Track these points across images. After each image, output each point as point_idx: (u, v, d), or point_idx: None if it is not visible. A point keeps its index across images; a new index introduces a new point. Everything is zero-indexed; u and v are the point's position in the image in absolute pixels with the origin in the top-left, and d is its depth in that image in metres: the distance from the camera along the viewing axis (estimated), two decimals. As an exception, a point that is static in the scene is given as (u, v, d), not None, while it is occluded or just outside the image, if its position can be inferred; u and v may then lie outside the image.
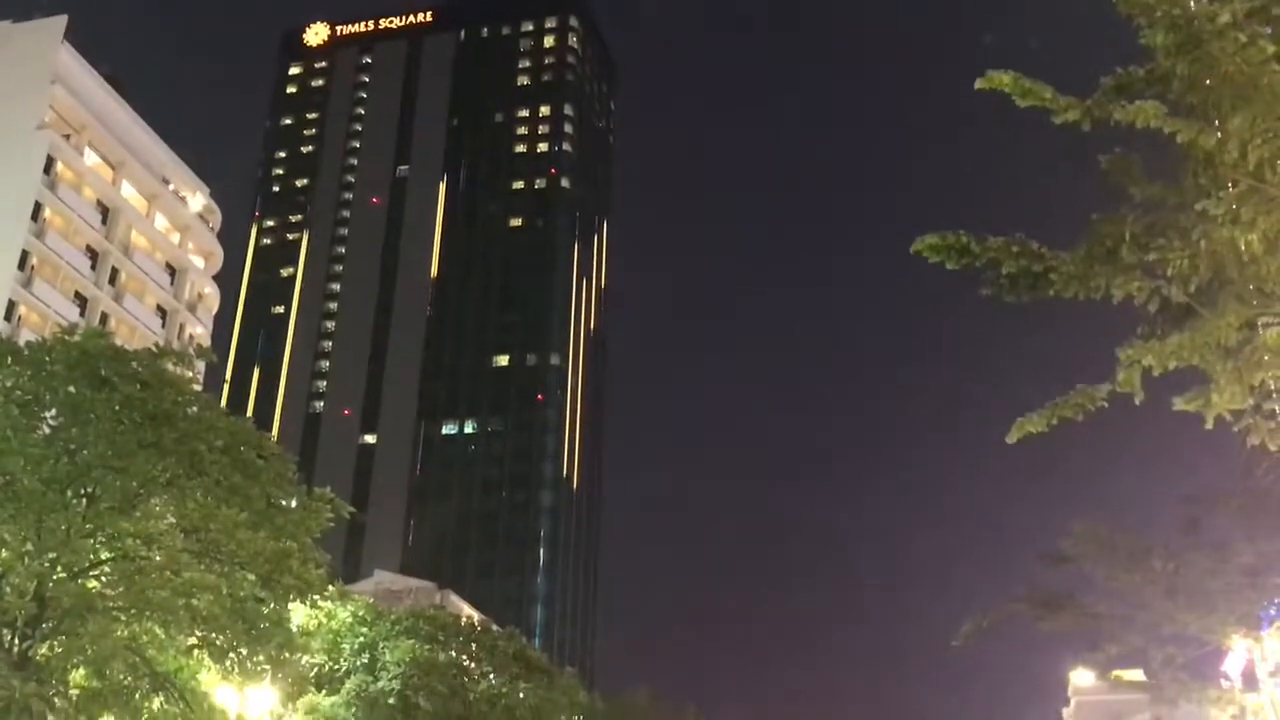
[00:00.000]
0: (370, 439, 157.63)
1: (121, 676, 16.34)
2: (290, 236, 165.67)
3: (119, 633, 15.72)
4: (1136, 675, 24.44)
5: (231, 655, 16.73)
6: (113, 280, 60.92)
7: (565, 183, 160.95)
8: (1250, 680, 20.75)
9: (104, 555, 15.73)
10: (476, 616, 31.48)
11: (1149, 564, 19.49)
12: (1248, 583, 18.50)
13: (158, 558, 15.77)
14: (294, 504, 17.84)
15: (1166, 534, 20.46)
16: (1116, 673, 24.89)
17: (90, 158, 60.42)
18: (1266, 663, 19.78)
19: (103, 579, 15.73)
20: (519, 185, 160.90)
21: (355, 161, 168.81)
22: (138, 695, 16.66)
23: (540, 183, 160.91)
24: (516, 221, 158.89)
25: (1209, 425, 13.65)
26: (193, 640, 16.46)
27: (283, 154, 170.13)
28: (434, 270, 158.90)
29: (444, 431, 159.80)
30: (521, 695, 23.93)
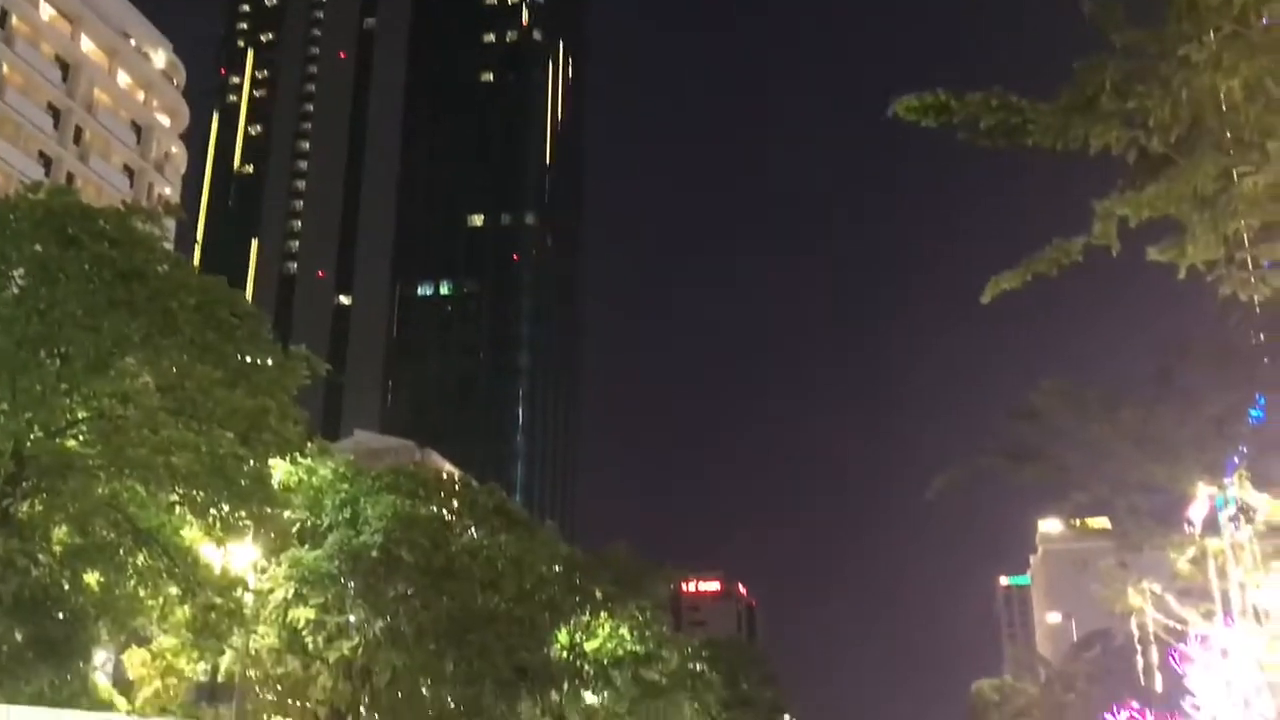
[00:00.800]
0: (345, 300, 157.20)
1: (104, 533, 16.53)
2: (257, 94, 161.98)
3: (99, 490, 15.84)
4: (1102, 523, 25.08)
5: (213, 511, 16.90)
6: (77, 139, 59.64)
7: (538, 35, 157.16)
8: (1211, 526, 21.32)
9: (80, 414, 15.74)
10: (457, 474, 31.86)
11: (1118, 416, 19.83)
12: (1214, 432, 18.87)
13: (135, 416, 15.78)
14: (269, 363, 17.80)
15: (1137, 387, 20.78)
16: (1083, 521, 25.52)
17: (46, 10, 58.57)
18: (1228, 508, 20.32)
19: (80, 438, 15.78)
20: (490, 38, 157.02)
21: (320, 14, 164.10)
22: (121, 551, 16.86)
23: (512, 35, 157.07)
24: (488, 76, 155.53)
25: (1182, 275, 13.71)
26: (174, 497, 16.60)
27: (246, 7, 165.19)
28: (404, 127, 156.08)
29: (419, 293, 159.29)
30: (502, 547, 24.38)
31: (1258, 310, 17.73)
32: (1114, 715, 31.83)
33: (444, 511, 24.01)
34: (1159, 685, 23.49)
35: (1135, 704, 30.37)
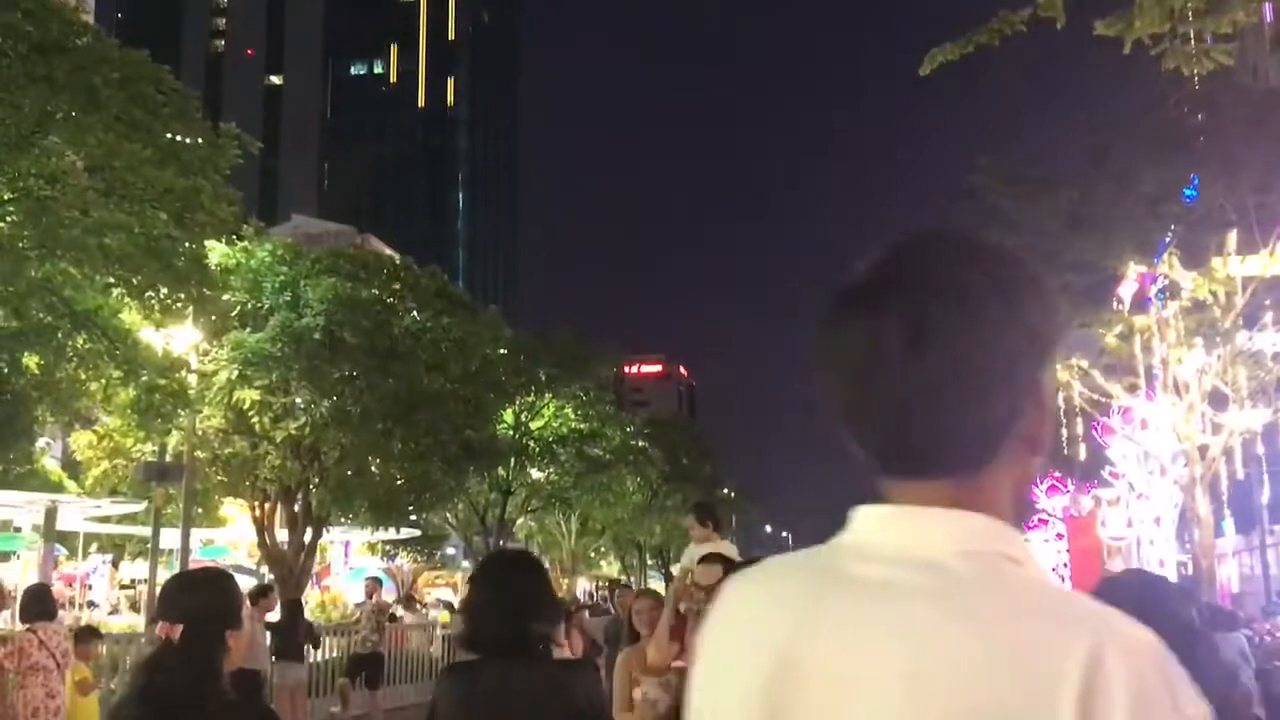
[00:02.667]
0: (277, 80, 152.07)
1: (40, 315, 16.32)
2: None
3: (31, 272, 15.55)
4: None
5: (150, 294, 16.68)
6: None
7: None
8: (1140, 304, 21.86)
9: (5, 195, 15.31)
10: (397, 257, 31.65)
11: (1055, 195, 19.95)
12: (1147, 211, 19.09)
13: (64, 197, 15.36)
14: (200, 142, 17.27)
15: (1075, 167, 20.85)
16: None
17: None
18: (1156, 285, 20.79)
19: (8, 219, 15.37)
20: None
21: None
22: (59, 334, 16.68)
23: None
24: None
25: (1127, 50, 13.56)
26: (110, 280, 16.32)
27: None
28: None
29: (353, 72, 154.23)
30: (446, 329, 24.41)
31: (1197, 87, 17.72)
32: (1036, 484, 33.34)
33: (385, 295, 23.87)
34: (1082, 455, 24.53)
35: (1057, 473, 31.76)
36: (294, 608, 16.48)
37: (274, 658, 14.88)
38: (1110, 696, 0.99)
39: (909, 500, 1.18)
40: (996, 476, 1.18)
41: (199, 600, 3.13)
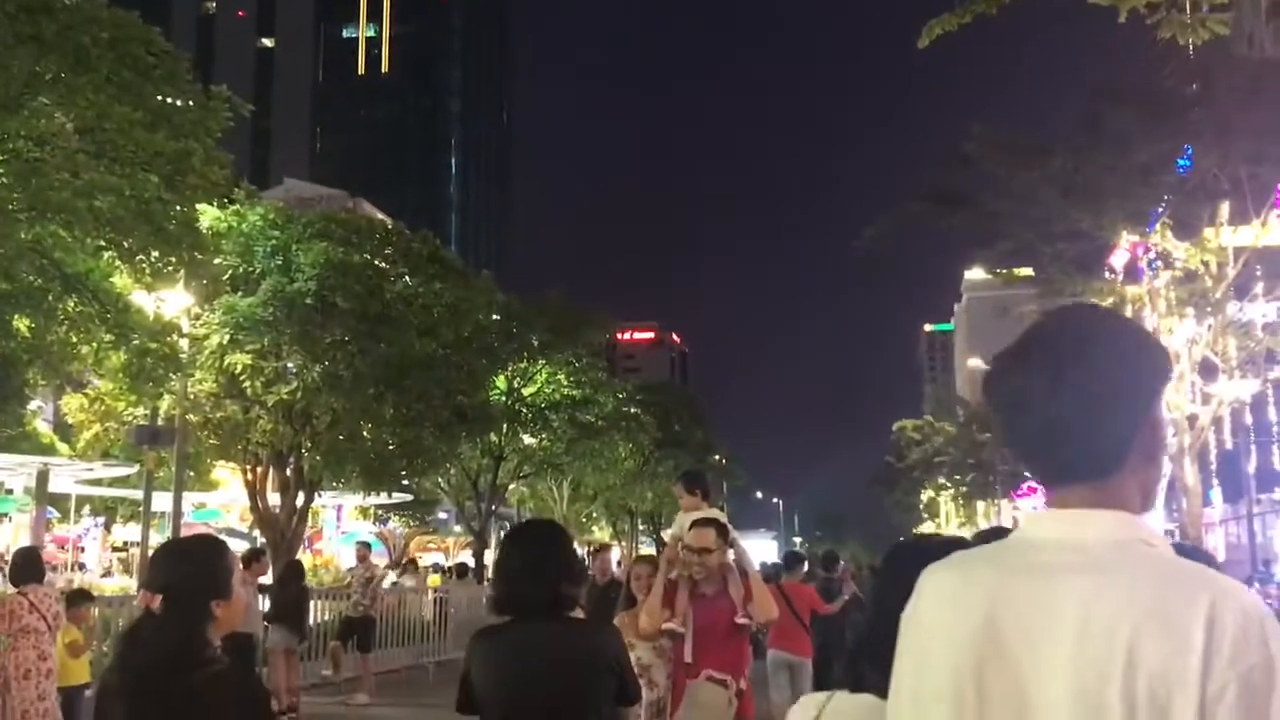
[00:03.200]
0: (268, 43, 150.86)
1: (30, 278, 16.23)
2: None
3: (21, 235, 15.45)
4: (1026, 272, 25.61)
5: (141, 257, 16.58)
6: None
7: None
8: (1132, 274, 21.88)
9: (-5, 156, 15.18)
10: (390, 222, 31.53)
11: (1049, 163, 19.91)
12: (1140, 180, 19.07)
13: (53, 159, 15.25)
14: (190, 104, 17.13)
15: (1069, 136, 20.78)
16: (1008, 269, 26.02)
17: None
18: (1148, 254, 20.80)
19: (-2, 181, 15.25)
20: None
21: None
22: (50, 297, 16.61)
23: None
24: None
25: (1123, 19, 13.52)
26: (100, 243, 16.22)
27: None
28: None
29: (345, 34, 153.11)
30: (438, 294, 24.34)
31: (1192, 56, 17.65)
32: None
33: (378, 260, 23.80)
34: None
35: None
36: (295, 570, 16.52)
37: (268, 623, 14.92)
38: (1224, 630, 1.43)
39: (1063, 503, 1.62)
40: (1124, 481, 1.61)
41: (184, 569, 3.10)
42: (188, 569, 3.11)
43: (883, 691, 1.74)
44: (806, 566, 14.72)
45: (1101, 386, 1.58)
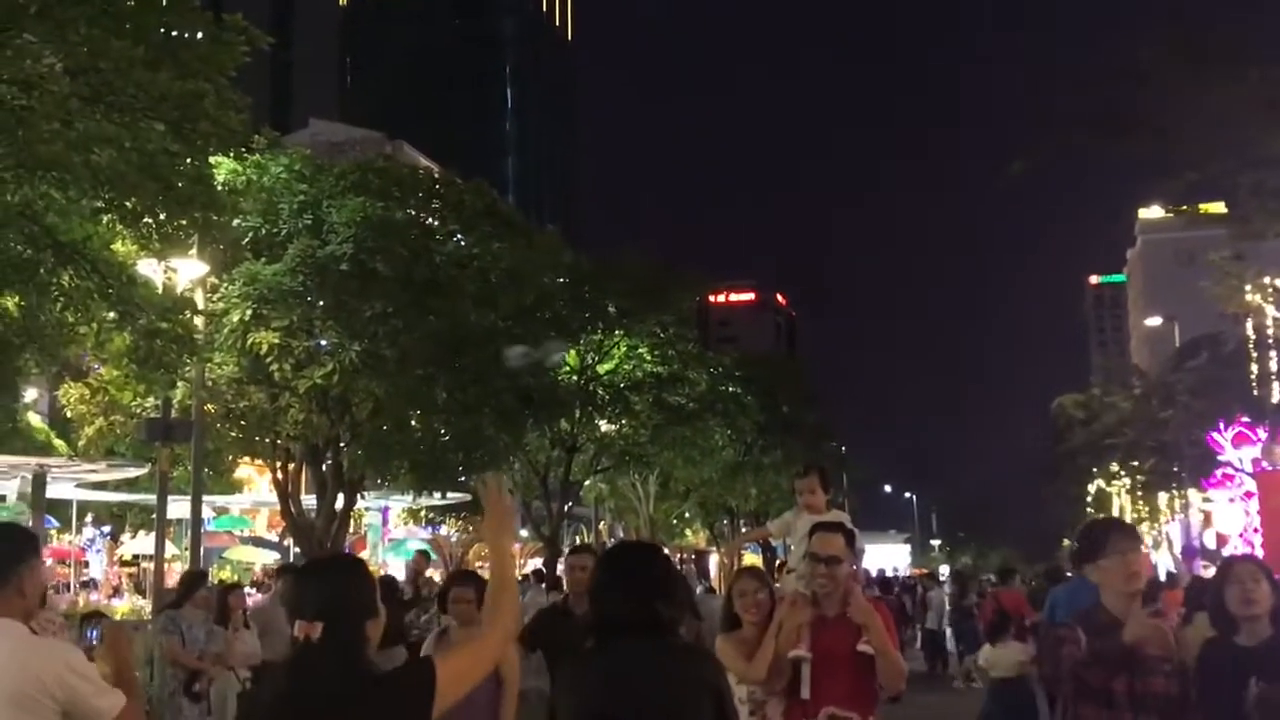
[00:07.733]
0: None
1: (19, 248, 16.58)
2: None
3: (7, 197, 15.79)
4: (1217, 208, 25.02)
5: (147, 220, 16.83)
6: None
7: None
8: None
9: (-26, 106, 15.52)
10: (436, 170, 31.74)
11: (1246, 73, 19.39)
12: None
13: (42, 107, 15.55)
14: (200, 37, 17.35)
15: (1271, 41, 20.22)
16: (1193, 205, 25.47)
17: None
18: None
19: (-22, 135, 15.60)
20: None
21: None
22: (42, 270, 16.95)
23: None
24: None
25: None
26: (99, 204, 16.52)
27: None
28: None
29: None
30: (495, 256, 24.44)
31: None
32: (1221, 432, 32.72)
33: (424, 215, 23.97)
34: (1276, 396, 23.98)
35: (1246, 418, 31.15)
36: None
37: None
38: None
39: None
40: None
41: (332, 591, 3.55)
42: (336, 590, 3.57)
43: None
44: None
45: None
